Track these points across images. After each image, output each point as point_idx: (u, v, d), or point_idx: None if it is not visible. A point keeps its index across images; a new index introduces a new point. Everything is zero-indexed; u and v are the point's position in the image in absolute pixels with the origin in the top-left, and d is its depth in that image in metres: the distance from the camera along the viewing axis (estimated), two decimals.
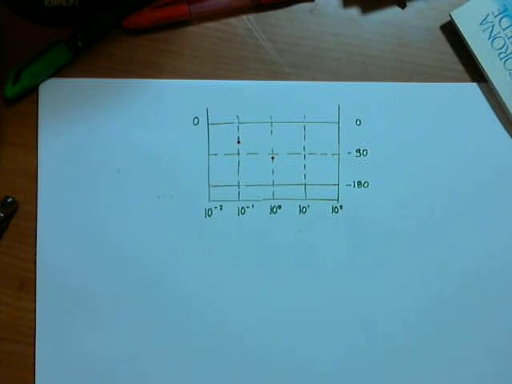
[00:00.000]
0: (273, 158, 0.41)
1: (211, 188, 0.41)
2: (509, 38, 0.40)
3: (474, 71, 0.41)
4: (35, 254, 0.40)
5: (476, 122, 0.41)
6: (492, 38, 0.40)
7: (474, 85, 0.41)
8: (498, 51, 0.40)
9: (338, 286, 0.41)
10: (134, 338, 0.40)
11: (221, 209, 0.41)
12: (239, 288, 0.40)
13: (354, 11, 0.42)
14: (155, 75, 0.41)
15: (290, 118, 0.41)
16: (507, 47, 0.40)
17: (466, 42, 0.40)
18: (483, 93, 0.41)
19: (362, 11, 0.42)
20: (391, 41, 0.42)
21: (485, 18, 0.40)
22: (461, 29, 0.40)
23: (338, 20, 0.42)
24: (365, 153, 0.41)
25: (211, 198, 0.41)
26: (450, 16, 0.40)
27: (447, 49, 0.42)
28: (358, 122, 0.41)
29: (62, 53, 0.40)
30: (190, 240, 0.41)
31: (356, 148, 0.41)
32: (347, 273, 0.41)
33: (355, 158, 0.41)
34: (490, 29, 0.40)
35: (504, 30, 0.40)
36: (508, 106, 0.40)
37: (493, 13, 0.40)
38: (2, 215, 0.39)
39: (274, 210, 0.41)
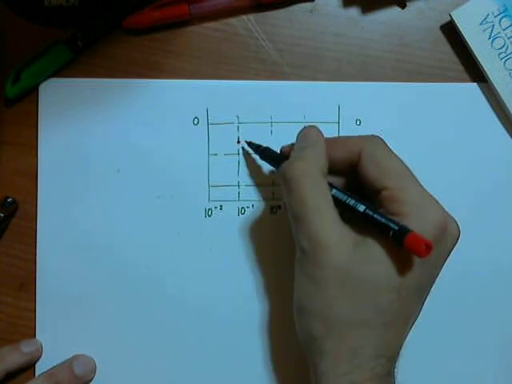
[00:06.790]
0: None
1: (211, 188, 0.41)
2: (509, 38, 0.40)
3: (474, 71, 0.41)
4: (35, 254, 0.40)
5: (476, 122, 0.41)
6: (492, 38, 0.40)
7: (474, 85, 0.41)
8: (498, 51, 0.40)
9: None
10: (133, 338, 0.40)
11: (221, 209, 0.41)
12: (239, 288, 0.40)
13: (354, 11, 0.42)
14: (155, 75, 0.41)
15: (290, 118, 0.41)
16: (507, 47, 0.40)
17: (466, 42, 0.40)
18: (483, 93, 0.41)
19: (362, 11, 0.42)
20: (391, 41, 0.42)
21: (485, 18, 0.40)
22: (461, 29, 0.40)
23: (337, 20, 0.42)
24: None
25: (211, 198, 0.41)
26: (450, 16, 0.40)
27: (447, 49, 0.42)
28: (358, 122, 0.41)
29: (62, 53, 0.40)
30: (190, 240, 0.41)
31: None
32: None
33: None
34: (490, 29, 0.40)
35: (504, 30, 0.40)
36: (508, 105, 0.40)
37: (493, 13, 0.40)
38: (1, 215, 0.39)
39: (274, 210, 0.41)
